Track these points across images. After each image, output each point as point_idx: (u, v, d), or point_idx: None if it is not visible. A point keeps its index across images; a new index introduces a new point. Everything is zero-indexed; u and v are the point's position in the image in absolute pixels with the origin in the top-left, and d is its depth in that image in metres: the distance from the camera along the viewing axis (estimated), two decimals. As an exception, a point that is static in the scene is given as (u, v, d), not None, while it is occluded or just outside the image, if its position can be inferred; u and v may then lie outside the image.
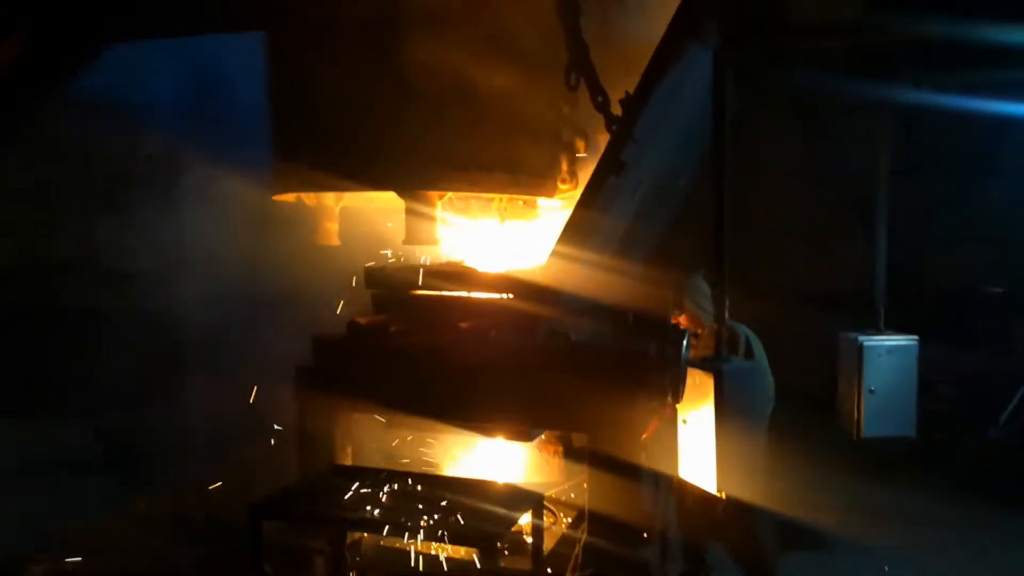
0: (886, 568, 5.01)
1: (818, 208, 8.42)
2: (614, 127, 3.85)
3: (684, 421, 3.96)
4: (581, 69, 3.83)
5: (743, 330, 4.41)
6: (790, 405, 4.65)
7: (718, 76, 3.95)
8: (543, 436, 4.67)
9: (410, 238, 4.96)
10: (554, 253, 4.32)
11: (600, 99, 3.85)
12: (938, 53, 4.99)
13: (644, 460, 3.86)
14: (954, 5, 4.14)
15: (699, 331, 4.34)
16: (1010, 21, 4.19)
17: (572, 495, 4.57)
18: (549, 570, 3.94)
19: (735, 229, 4.03)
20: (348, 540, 4.29)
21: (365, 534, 4.32)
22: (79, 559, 4.68)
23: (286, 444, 6.03)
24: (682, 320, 4.07)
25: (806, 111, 8.43)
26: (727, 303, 4.08)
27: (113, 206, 6.88)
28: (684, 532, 4.64)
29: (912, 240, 8.24)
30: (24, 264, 6.20)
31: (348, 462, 4.48)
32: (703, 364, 3.89)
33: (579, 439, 4.88)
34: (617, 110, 3.90)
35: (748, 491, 3.91)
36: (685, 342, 3.78)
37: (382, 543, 4.44)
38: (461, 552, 4.31)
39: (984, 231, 8.45)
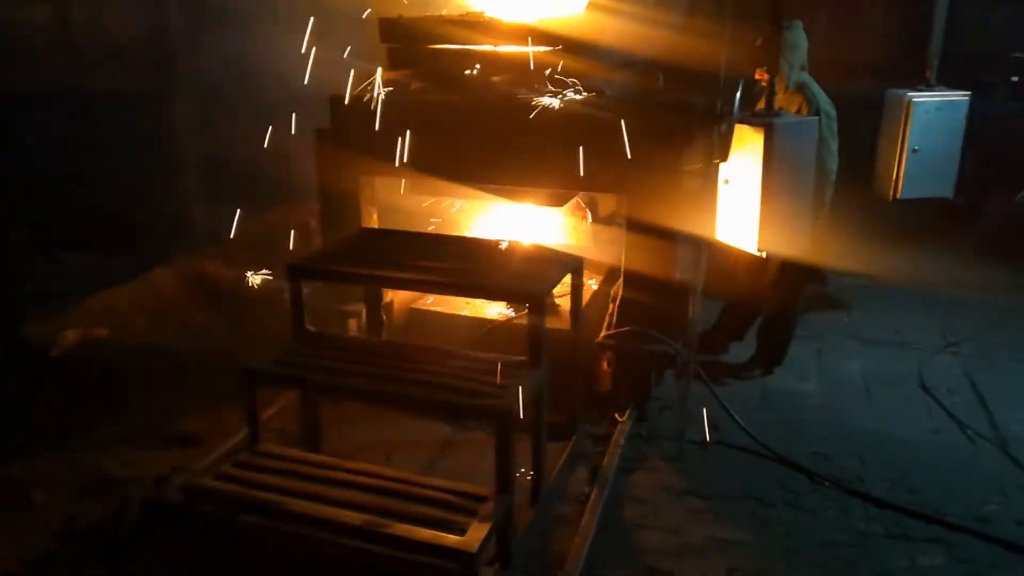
0: (897, 331, 5.08)
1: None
2: None
3: (726, 181, 3.78)
4: None
5: (821, 101, 4.07)
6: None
7: None
8: (575, 200, 4.54)
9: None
10: (591, 5, 3.94)
11: None
12: None
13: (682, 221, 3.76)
14: None
15: (779, 91, 4.01)
16: None
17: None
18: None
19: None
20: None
21: (394, 299, 4.31)
22: (106, 330, 4.68)
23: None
24: (764, 76, 3.73)
25: None
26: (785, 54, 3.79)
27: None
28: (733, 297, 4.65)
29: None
30: None
31: (374, 225, 4.37)
32: (751, 119, 3.64)
33: (606, 206, 4.76)
34: None
35: (790, 250, 3.82)
36: (738, 96, 3.51)
37: (413, 306, 4.45)
38: (493, 314, 4.36)
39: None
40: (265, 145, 4.66)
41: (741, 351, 4.71)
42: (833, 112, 4.07)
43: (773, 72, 3.71)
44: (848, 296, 5.62)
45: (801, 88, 4.06)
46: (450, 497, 2.77)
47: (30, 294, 4.85)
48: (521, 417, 2.89)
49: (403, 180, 4.30)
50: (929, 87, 4.78)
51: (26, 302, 4.72)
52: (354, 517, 2.65)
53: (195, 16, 6.41)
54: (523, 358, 3.12)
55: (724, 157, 3.61)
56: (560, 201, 4.36)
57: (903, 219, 5.66)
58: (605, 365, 4.03)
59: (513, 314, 4.28)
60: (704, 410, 3.78)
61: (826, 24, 6.45)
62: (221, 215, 6.57)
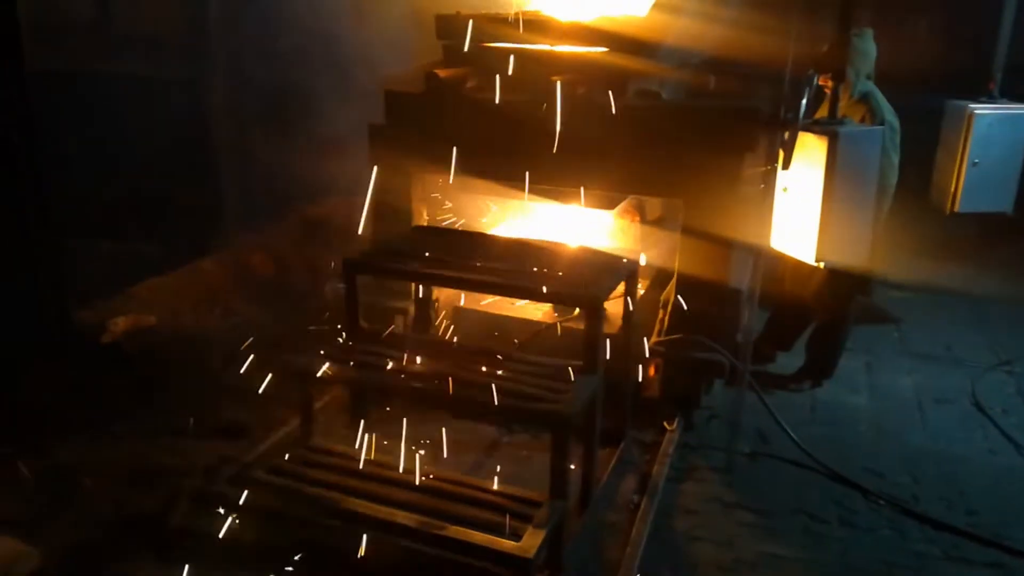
0: (948, 347, 4.99)
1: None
2: None
3: (785, 189, 3.71)
4: None
5: (886, 113, 3.98)
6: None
7: None
8: (625, 203, 4.48)
9: (485, -19, 4.49)
10: (656, 5, 3.89)
11: None
12: None
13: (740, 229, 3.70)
14: None
15: (843, 99, 3.93)
16: None
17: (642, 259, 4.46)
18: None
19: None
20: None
21: (440, 297, 4.28)
22: (154, 318, 4.70)
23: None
24: (828, 83, 3.66)
25: None
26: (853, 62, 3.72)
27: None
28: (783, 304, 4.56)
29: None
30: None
31: (423, 222, 4.35)
32: (814, 127, 3.57)
33: (654, 210, 4.71)
34: None
35: (848, 261, 3.73)
36: (804, 101, 3.44)
37: (458, 305, 4.42)
38: (539, 314, 4.31)
39: None
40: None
41: (787, 361, 4.63)
42: (897, 124, 3.98)
43: (839, 79, 3.64)
44: (897, 309, 5.51)
45: (866, 98, 3.98)
46: (504, 501, 2.74)
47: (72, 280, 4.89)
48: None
49: (455, 178, 4.27)
50: (991, 99, 4.67)
51: (73, 288, 4.75)
52: (408, 518, 2.62)
53: (232, 4, 6.43)
54: (577, 363, 3.08)
55: (786, 165, 3.53)
56: (611, 204, 4.32)
57: (951, 232, 5.54)
58: (652, 371, 3.99)
59: (559, 316, 4.24)
60: (751, 421, 3.71)
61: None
62: (255, 205, 6.62)
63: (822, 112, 3.97)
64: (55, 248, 4.18)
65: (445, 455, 3.59)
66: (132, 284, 4.85)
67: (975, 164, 4.59)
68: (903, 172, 4.24)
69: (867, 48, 3.95)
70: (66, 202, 5.08)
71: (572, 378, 2.99)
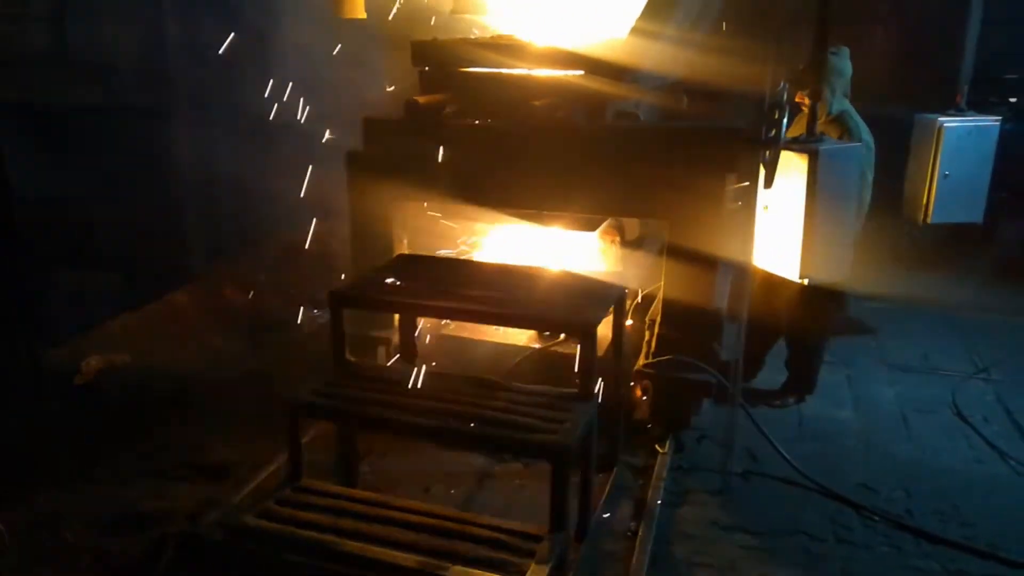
0: (925, 356, 5.05)
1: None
2: None
3: (765, 207, 3.72)
4: None
5: (862, 131, 4.02)
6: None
7: None
8: (605, 224, 4.47)
9: (458, 5, 4.49)
10: (634, 31, 3.90)
11: None
12: None
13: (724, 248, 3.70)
14: None
15: (821, 117, 3.97)
16: None
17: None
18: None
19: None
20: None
21: (424, 324, 4.22)
22: (127, 356, 4.57)
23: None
24: (805, 100, 3.70)
25: None
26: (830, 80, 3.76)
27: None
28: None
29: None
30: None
31: (404, 251, 4.29)
32: (794, 144, 3.60)
33: (632, 231, 4.71)
34: None
35: (832, 277, 3.75)
36: (784, 120, 3.46)
37: (440, 332, 4.36)
38: (522, 339, 4.27)
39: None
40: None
41: (768, 377, 4.63)
42: (872, 143, 4.02)
43: (815, 97, 3.67)
44: (873, 320, 5.57)
45: (843, 116, 4.01)
46: (503, 536, 2.68)
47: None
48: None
49: (437, 204, 4.24)
50: (959, 111, 4.76)
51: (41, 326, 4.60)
52: (407, 559, 2.55)
53: (193, 32, 6.32)
54: (570, 390, 3.05)
55: (769, 183, 3.54)
56: (592, 226, 4.31)
57: (924, 243, 5.62)
58: (639, 392, 3.96)
59: (544, 341, 4.20)
60: (740, 440, 3.70)
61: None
62: (220, 235, 6.49)
63: (799, 130, 4.01)
64: (23, 283, 4.04)
65: (438, 487, 3.54)
66: (100, 320, 4.70)
67: (946, 176, 4.67)
68: (876, 184, 4.29)
69: (843, 66, 4.00)
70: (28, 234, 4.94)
71: (567, 406, 2.95)
